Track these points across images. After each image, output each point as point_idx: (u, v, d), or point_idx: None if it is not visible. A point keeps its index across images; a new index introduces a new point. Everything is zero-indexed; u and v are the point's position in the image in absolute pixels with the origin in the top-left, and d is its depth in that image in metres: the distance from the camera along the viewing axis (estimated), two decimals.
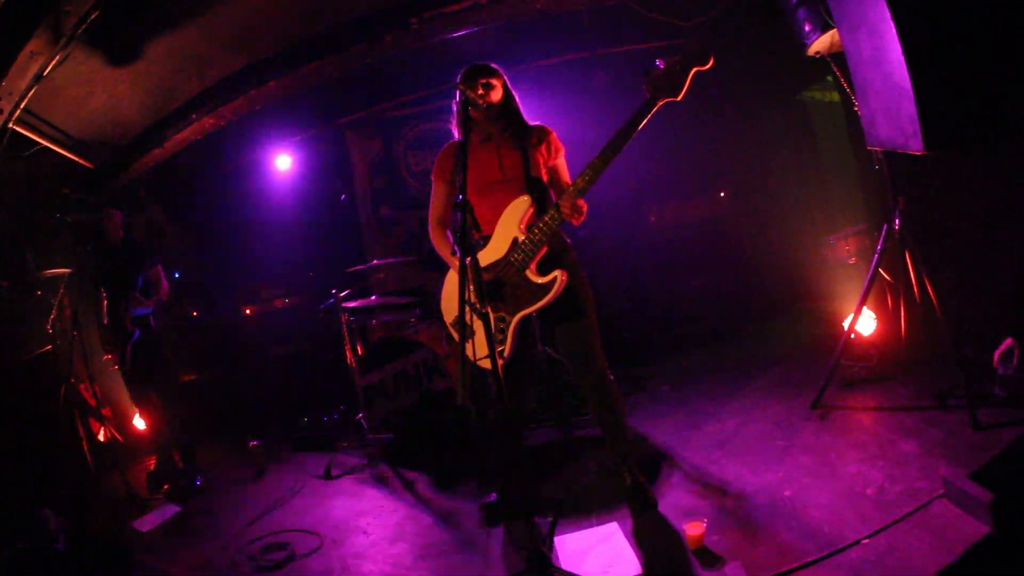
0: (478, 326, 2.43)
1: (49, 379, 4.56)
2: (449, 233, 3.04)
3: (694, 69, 2.51)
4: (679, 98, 2.53)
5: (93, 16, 3.39)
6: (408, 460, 4.11)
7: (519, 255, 2.74)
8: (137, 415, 4.93)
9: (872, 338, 3.90)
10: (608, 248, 5.61)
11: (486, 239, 2.84)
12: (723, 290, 5.58)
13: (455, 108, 2.81)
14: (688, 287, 5.52)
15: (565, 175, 2.98)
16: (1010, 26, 2.45)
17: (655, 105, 2.55)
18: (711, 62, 2.50)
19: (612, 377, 2.92)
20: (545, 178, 2.92)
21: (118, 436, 5.25)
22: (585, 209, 2.64)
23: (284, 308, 6.56)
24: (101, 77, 4.27)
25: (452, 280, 3.00)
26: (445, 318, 3.04)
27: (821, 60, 3.53)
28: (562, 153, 2.98)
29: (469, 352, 2.37)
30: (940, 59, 2.44)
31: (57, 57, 3.57)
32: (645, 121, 2.55)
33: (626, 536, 2.69)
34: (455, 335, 2.97)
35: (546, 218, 2.68)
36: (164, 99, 4.97)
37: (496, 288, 2.77)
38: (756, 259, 5.80)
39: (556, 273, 2.71)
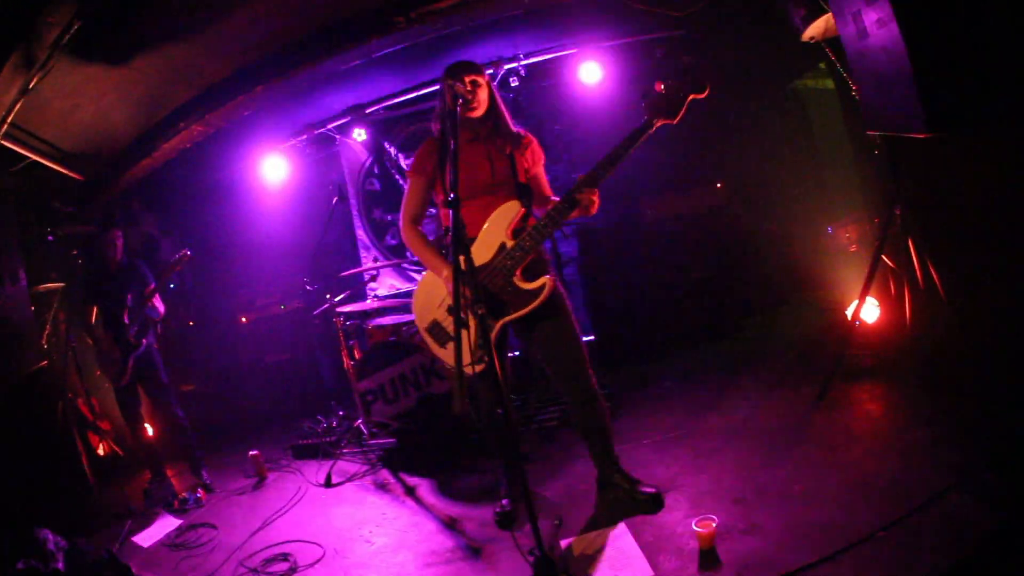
0: (465, 331, 2.37)
1: (46, 394, 4.50)
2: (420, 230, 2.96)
3: (691, 96, 2.61)
4: (675, 121, 2.63)
5: (75, 27, 3.34)
6: (409, 465, 4.06)
7: (508, 260, 2.70)
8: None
9: (876, 325, 3.85)
10: (604, 242, 5.55)
11: (471, 241, 2.74)
12: (723, 282, 5.50)
13: (439, 105, 2.78)
14: (687, 280, 5.44)
15: (544, 183, 2.98)
16: (1011, 3, 2.40)
17: (651, 127, 2.63)
18: (707, 91, 2.61)
19: (596, 384, 2.85)
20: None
21: (117, 450, 5.21)
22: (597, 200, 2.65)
23: (280, 315, 6.51)
24: (87, 89, 4.21)
25: (427, 282, 2.93)
26: (419, 323, 2.95)
27: (815, 46, 3.49)
28: (542, 162, 2.98)
29: (454, 356, 2.33)
30: (940, 38, 2.39)
31: (43, 70, 3.52)
32: (641, 141, 2.62)
33: (634, 538, 2.64)
34: (429, 340, 2.91)
35: (539, 224, 2.66)
36: (152, 109, 4.90)
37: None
38: (755, 250, 5.73)
39: (545, 279, 2.68)
